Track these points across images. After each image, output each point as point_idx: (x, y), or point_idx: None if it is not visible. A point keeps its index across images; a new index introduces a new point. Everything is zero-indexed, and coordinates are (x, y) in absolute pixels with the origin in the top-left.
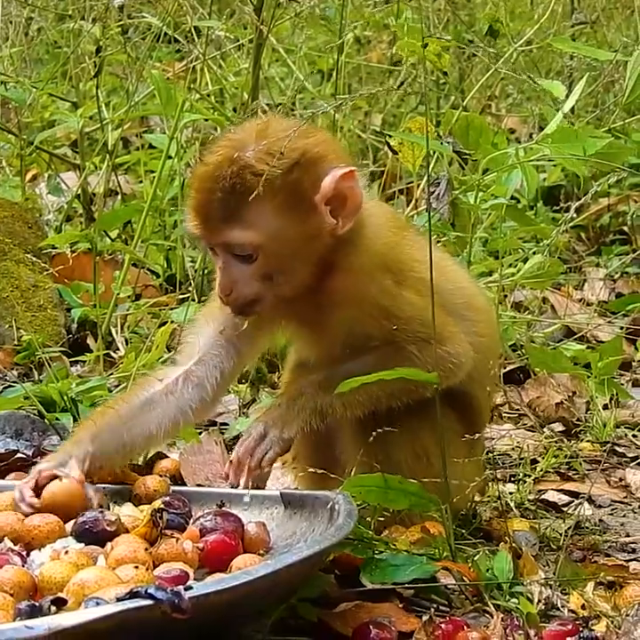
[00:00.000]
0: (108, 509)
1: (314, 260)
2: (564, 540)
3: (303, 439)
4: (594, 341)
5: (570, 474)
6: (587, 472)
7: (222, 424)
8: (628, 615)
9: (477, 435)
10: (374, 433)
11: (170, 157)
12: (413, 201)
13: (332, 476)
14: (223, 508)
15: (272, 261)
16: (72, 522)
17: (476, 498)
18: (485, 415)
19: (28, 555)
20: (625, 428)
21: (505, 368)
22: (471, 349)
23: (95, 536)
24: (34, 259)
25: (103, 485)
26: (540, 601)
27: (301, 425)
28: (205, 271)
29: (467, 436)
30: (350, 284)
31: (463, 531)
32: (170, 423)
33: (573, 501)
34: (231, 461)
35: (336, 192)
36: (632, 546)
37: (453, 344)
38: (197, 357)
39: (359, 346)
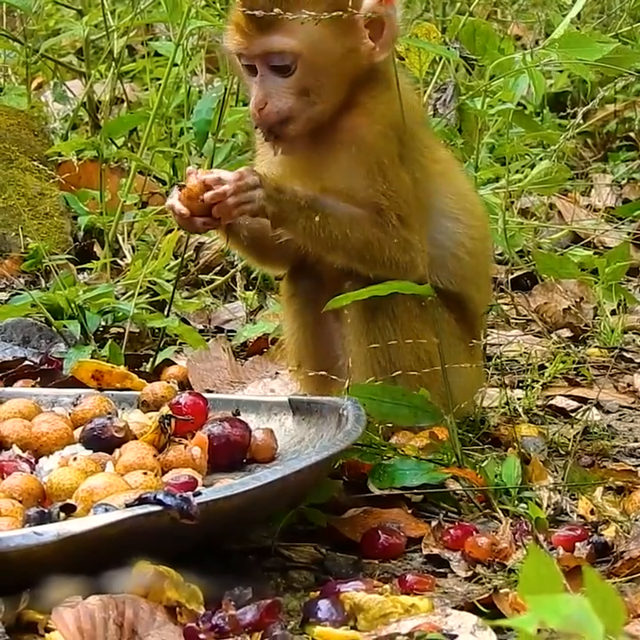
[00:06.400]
0: (116, 416)
1: (348, 79)
2: (573, 446)
3: (304, 343)
4: (601, 247)
5: (578, 379)
6: (595, 378)
7: (229, 331)
8: (636, 520)
9: (480, 340)
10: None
11: (176, 65)
12: None
13: (337, 378)
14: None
15: (309, 74)
16: (80, 428)
17: (482, 403)
18: (483, 316)
19: (36, 462)
20: (633, 333)
21: (512, 274)
22: (425, 252)
23: (103, 442)
24: (40, 166)
25: (111, 392)
26: (548, 506)
27: (292, 209)
28: None
29: (474, 341)
30: (362, 123)
31: (471, 436)
32: None
33: (581, 407)
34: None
35: (375, 15)
36: None
37: (413, 235)
38: None
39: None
